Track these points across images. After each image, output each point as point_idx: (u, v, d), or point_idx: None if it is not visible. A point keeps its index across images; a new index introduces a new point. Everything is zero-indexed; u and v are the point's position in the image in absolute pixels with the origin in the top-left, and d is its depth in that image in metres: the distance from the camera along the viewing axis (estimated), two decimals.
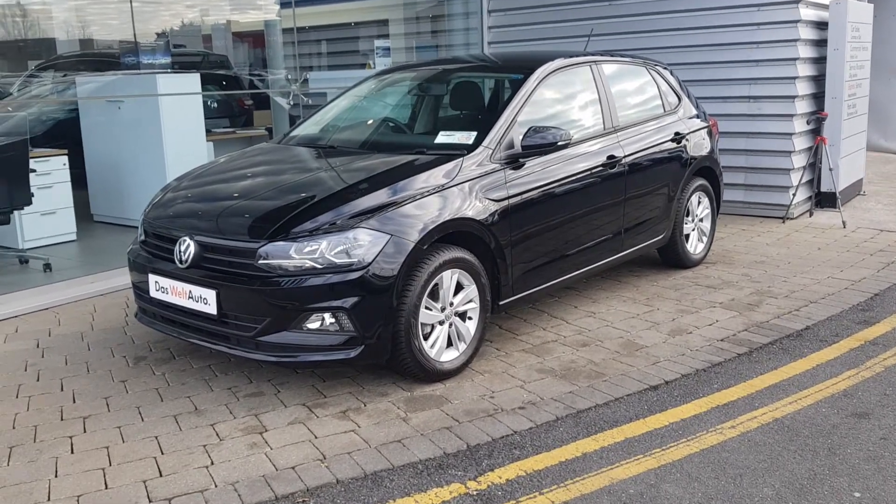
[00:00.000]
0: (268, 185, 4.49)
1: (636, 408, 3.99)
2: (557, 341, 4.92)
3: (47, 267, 6.54)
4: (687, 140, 6.19)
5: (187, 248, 4.16)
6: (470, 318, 4.47)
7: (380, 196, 4.12)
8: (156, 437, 3.77)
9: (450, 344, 4.39)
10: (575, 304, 5.62)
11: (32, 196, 6.59)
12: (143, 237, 4.61)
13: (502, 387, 4.26)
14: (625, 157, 5.48)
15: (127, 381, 4.44)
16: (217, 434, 3.78)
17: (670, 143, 6.02)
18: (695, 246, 6.50)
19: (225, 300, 4.00)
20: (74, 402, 4.20)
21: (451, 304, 4.33)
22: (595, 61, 5.63)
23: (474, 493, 3.25)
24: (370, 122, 5.38)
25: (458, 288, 4.38)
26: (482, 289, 4.45)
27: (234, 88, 10.83)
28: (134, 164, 8.15)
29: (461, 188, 4.36)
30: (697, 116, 6.52)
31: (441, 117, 5.36)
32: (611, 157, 5.36)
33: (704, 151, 6.42)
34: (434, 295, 4.23)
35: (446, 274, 4.24)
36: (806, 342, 4.84)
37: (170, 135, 7.86)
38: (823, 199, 8.60)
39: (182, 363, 4.67)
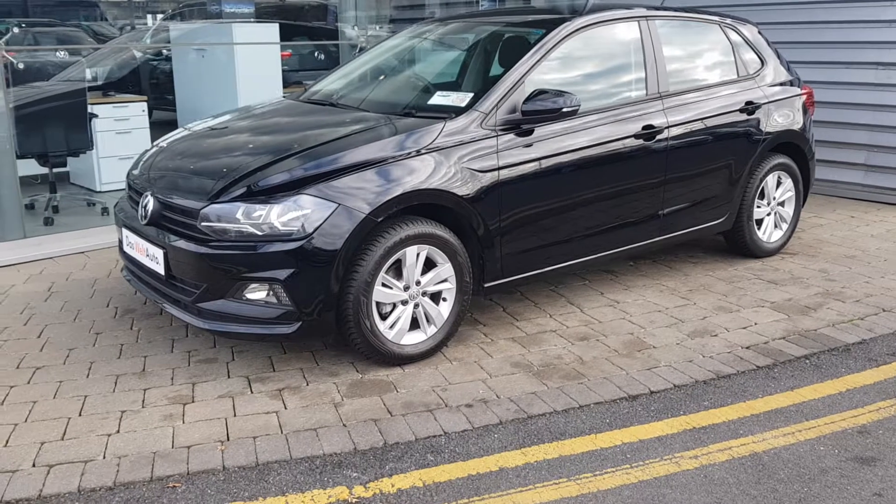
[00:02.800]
0: (239, 145, 4.23)
1: (596, 420, 3.46)
2: (556, 332, 4.41)
3: (105, 211, 6.68)
4: (763, 111, 5.37)
5: (146, 204, 4.00)
6: (444, 300, 4.05)
7: (336, 160, 3.77)
8: (85, 397, 3.67)
9: (418, 326, 4.00)
10: (602, 291, 5.04)
11: (92, 141, 6.72)
12: (127, 191, 4.51)
13: (462, 379, 3.84)
14: (668, 127, 4.79)
15: (101, 334, 4.39)
16: (143, 400, 3.63)
17: (738, 113, 5.23)
18: (769, 233, 5.68)
19: (172, 261, 3.82)
20: (41, 350, 4.19)
21: (418, 283, 3.93)
22: (646, 17, 4.94)
23: (354, 500, 2.90)
24: (382, 78, 4.99)
25: (433, 266, 3.97)
26: (459, 268, 4.01)
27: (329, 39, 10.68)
28: (213, 112, 8.18)
29: (436, 156, 3.92)
30: (786, 83, 5.64)
31: (453, 75, 4.88)
32: (648, 126, 4.69)
33: (789, 125, 5.55)
34: (400, 272, 3.85)
35: (410, 250, 3.85)
36: (850, 359, 4.06)
37: (244, 84, 7.82)
38: None
39: (162, 320, 4.56)
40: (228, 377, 3.86)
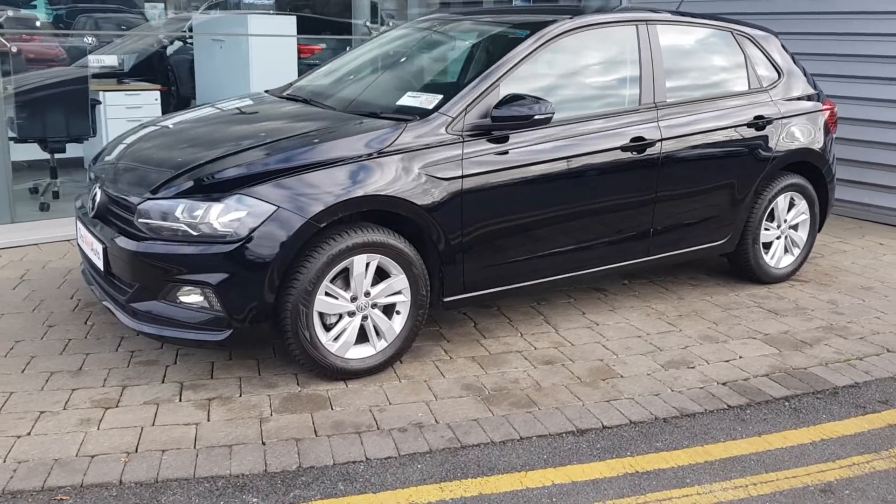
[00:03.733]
0: (194, 140, 4.06)
1: (532, 455, 3.19)
2: (522, 353, 4.13)
3: None
4: (774, 127, 4.99)
5: (94, 196, 3.87)
6: (398, 313, 3.82)
7: (281, 160, 3.56)
8: (10, 394, 3.54)
9: (367, 339, 3.77)
10: (584, 310, 4.74)
11: (94, 128, 6.66)
12: (87, 182, 4.39)
13: (405, 399, 3.59)
14: (661, 140, 4.46)
15: (54, 327, 4.27)
16: (67, 402, 3.48)
17: (745, 128, 4.86)
18: (777, 258, 5.29)
19: (111, 257, 3.67)
20: None
21: (368, 294, 3.70)
22: (646, 21, 4.61)
23: None
24: (361, 76, 4.76)
25: (386, 276, 3.75)
26: (414, 281, 3.77)
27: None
28: None
29: (392, 160, 3.68)
30: (805, 98, 5.24)
31: (432, 76, 4.62)
32: (637, 139, 4.37)
33: (805, 143, 5.16)
34: (348, 282, 3.64)
35: (359, 259, 3.62)
36: (834, 405, 3.70)
37: (257, 75, 7.69)
38: None
39: None
40: (162, 382, 3.69)
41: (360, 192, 3.56)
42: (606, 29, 4.53)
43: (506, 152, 3.99)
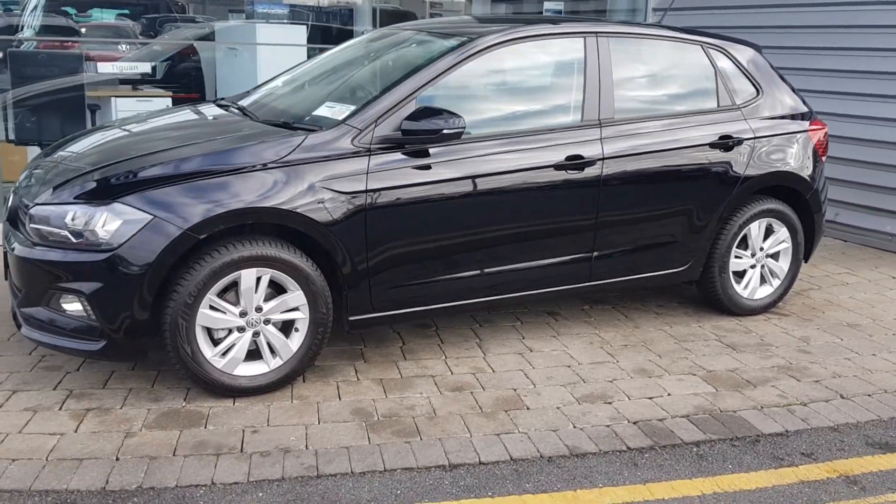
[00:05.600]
0: (110, 146, 4.03)
1: (384, 491, 3.00)
2: (436, 377, 3.94)
3: None
4: (745, 147, 4.64)
5: (9, 199, 3.89)
6: (297, 330, 3.69)
7: (165, 169, 3.49)
8: None
9: (261, 356, 3.66)
10: (525, 335, 4.51)
11: None
12: None
13: (286, 421, 3.46)
14: (603, 159, 4.20)
15: None
16: None
17: (708, 148, 4.54)
18: (752, 289, 4.91)
19: (9, 260, 3.67)
20: None
21: (259, 309, 3.59)
22: (596, 33, 4.35)
23: None
24: (299, 86, 4.64)
25: (282, 291, 3.63)
26: (313, 298, 3.64)
27: None
28: None
29: (285, 171, 3.56)
30: (789, 117, 4.88)
31: (359, 87, 4.46)
32: (575, 157, 4.13)
33: (784, 165, 4.80)
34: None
35: (248, 273, 3.52)
36: (749, 454, 3.37)
37: None
38: None
39: None
40: (53, 389, 3.67)
41: (244, 204, 3.45)
42: (548, 41, 4.31)
43: (428, 167, 3.82)
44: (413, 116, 3.73)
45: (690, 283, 4.86)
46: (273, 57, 7.71)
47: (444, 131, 3.69)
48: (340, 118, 3.80)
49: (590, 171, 4.17)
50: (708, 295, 4.88)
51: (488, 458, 3.24)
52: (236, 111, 4.33)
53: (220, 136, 3.82)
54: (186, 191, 3.41)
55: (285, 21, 8.14)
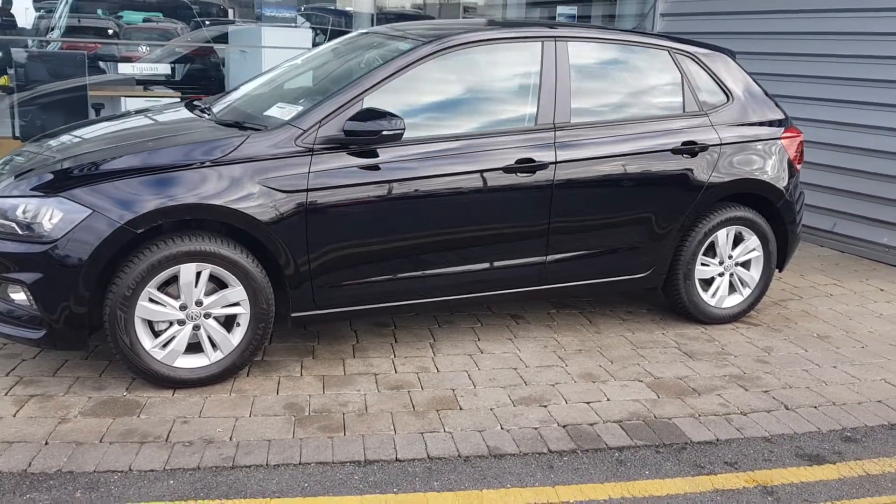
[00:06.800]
0: (77, 141, 4.16)
1: (292, 484, 3.06)
2: (379, 375, 3.99)
3: None
4: (710, 154, 4.60)
5: None
6: (238, 325, 3.78)
7: (111, 163, 3.61)
8: None
9: (203, 349, 3.76)
10: (482, 337, 4.53)
11: None
12: None
13: (217, 413, 3.55)
14: (556, 163, 4.21)
15: None
16: None
17: (670, 154, 4.51)
18: (720, 297, 4.86)
19: None
20: None
21: (200, 303, 3.69)
22: (555, 37, 4.36)
23: None
24: (267, 87, 4.73)
25: (225, 286, 3.73)
26: (253, 293, 3.72)
27: None
28: None
29: (228, 170, 3.65)
30: (760, 124, 4.81)
31: (316, 88, 4.52)
32: (525, 161, 4.15)
33: (752, 172, 4.74)
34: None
35: (187, 267, 3.62)
36: (671, 461, 3.34)
37: None
38: None
39: None
40: (6, 375, 3.82)
41: (182, 201, 3.55)
42: (504, 45, 4.34)
43: (374, 168, 3.88)
44: (356, 117, 3.79)
45: (655, 289, 4.82)
46: (278, 59, 7.85)
47: (384, 132, 3.74)
48: (286, 118, 3.88)
49: (541, 176, 4.18)
50: (674, 302, 4.84)
51: (405, 455, 3.27)
52: (200, 112, 4.44)
53: (171, 135, 3.93)
54: (127, 186, 3.52)
55: (293, 25, 8.26)
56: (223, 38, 9.59)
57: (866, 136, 6.36)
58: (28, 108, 6.74)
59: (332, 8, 11.51)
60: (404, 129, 3.77)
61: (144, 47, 10.05)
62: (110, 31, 11.33)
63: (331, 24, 10.81)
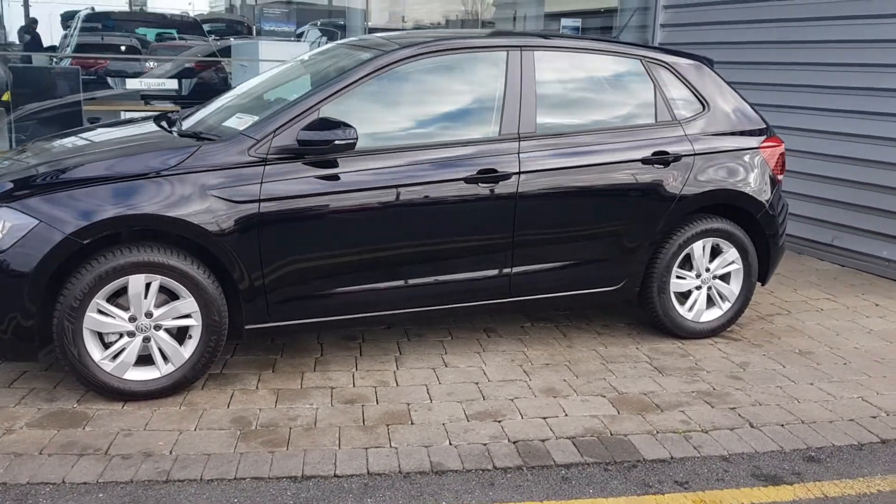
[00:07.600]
0: (45, 150, 4.19)
1: (222, 498, 3.01)
2: (335, 389, 3.94)
3: None
4: (684, 164, 4.50)
5: None
6: (190, 338, 3.75)
7: (57, 175, 3.63)
8: None
9: (154, 361, 3.74)
10: (449, 350, 4.46)
11: None
12: None
13: (162, 427, 3.52)
14: (520, 173, 4.13)
15: None
16: None
17: (640, 164, 4.42)
18: (697, 311, 4.73)
19: None
20: None
21: (150, 315, 3.67)
22: (521, 47, 4.30)
23: None
24: (234, 100, 4.72)
25: (177, 298, 3.71)
26: (205, 305, 3.70)
27: None
28: None
29: (178, 180, 3.63)
30: (738, 133, 4.70)
31: (275, 100, 4.48)
32: (488, 171, 4.08)
33: (727, 183, 4.63)
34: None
35: (136, 278, 3.60)
36: (617, 479, 3.24)
37: None
38: None
39: None
40: None
41: (129, 211, 3.54)
42: (467, 55, 4.29)
43: (332, 178, 3.84)
44: (309, 127, 3.75)
45: (629, 303, 4.72)
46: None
47: (337, 142, 3.70)
48: (241, 129, 3.86)
49: (504, 186, 4.11)
50: (650, 316, 4.73)
51: (344, 471, 3.21)
52: (168, 124, 4.43)
53: (127, 146, 3.93)
54: (73, 197, 3.52)
55: (292, 39, 8.30)
56: (227, 52, 9.67)
57: (867, 146, 6.19)
58: (23, 123, 6.84)
59: (342, 23, 11.58)
60: (356, 139, 3.73)
61: (151, 63, 10.17)
62: (122, 48, 11.47)
63: (340, 39, 10.89)
